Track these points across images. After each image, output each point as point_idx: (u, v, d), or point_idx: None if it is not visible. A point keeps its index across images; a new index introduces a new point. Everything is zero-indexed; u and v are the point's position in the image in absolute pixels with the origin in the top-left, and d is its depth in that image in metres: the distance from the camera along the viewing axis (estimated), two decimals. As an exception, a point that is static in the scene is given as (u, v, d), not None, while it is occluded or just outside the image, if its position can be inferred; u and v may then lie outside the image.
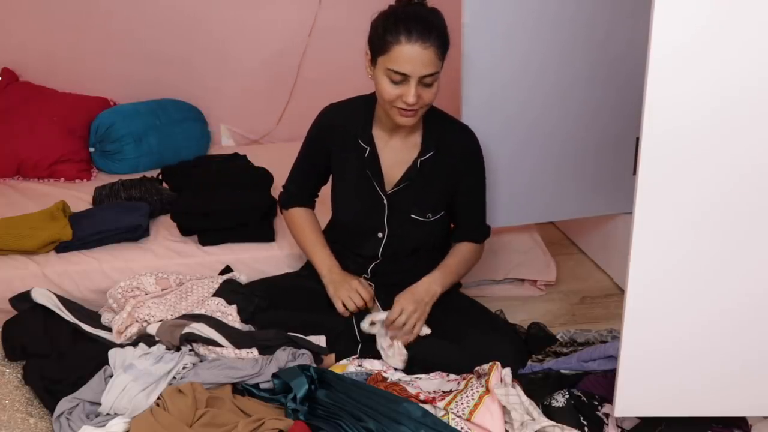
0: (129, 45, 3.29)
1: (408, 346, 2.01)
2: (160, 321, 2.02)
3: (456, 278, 2.18)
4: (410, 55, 1.85)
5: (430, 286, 2.08)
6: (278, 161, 2.84)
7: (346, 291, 2.08)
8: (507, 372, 1.84)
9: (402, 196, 2.11)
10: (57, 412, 1.78)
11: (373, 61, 1.94)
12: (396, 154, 2.10)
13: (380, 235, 2.14)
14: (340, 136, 2.12)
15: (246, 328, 2.05)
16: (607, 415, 1.78)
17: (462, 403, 1.76)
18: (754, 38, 1.39)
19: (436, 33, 1.87)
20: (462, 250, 2.19)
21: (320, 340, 2.00)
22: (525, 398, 1.76)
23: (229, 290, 2.17)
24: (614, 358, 1.75)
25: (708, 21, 1.38)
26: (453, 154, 2.10)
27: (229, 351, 1.91)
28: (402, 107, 1.92)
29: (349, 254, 2.20)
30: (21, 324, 2.10)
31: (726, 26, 1.38)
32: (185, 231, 2.51)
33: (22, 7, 3.20)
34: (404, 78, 1.88)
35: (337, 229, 2.24)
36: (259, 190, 2.67)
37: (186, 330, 1.92)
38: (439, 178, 2.10)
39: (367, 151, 2.08)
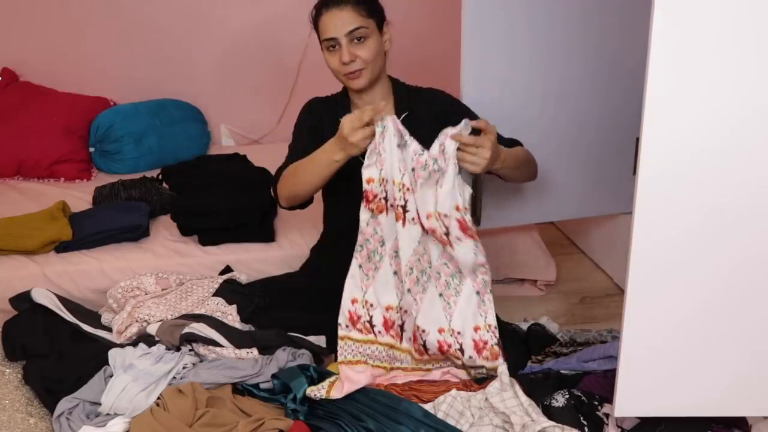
0: (129, 45, 3.29)
1: None
2: (160, 321, 2.02)
3: (515, 158, 2.01)
4: (330, 20, 1.99)
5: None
6: (278, 161, 2.82)
7: (349, 124, 1.85)
8: (503, 370, 1.82)
9: None
10: (57, 412, 1.78)
11: (321, 46, 2.05)
12: None
13: None
14: (325, 121, 2.14)
15: (246, 328, 2.05)
16: (607, 415, 1.78)
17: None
18: (754, 38, 1.39)
19: None
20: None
21: (320, 340, 2.00)
22: (524, 398, 1.75)
23: (229, 290, 2.17)
24: (614, 358, 1.74)
25: (707, 21, 1.38)
26: (427, 105, 2.12)
27: (229, 351, 1.91)
28: (347, 72, 2.01)
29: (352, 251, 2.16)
30: (21, 324, 2.10)
31: (725, 27, 1.38)
32: (185, 231, 2.51)
33: (22, 7, 3.20)
34: (336, 42, 1.99)
35: (334, 234, 2.23)
36: (259, 190, 2.67)
37: (186, 330, 1.92)
38: (422, 129, 2.00)
39: None
